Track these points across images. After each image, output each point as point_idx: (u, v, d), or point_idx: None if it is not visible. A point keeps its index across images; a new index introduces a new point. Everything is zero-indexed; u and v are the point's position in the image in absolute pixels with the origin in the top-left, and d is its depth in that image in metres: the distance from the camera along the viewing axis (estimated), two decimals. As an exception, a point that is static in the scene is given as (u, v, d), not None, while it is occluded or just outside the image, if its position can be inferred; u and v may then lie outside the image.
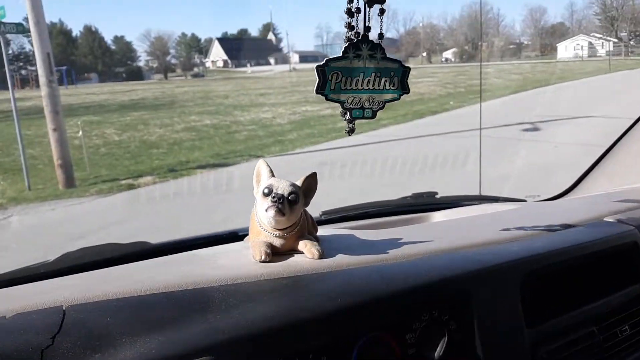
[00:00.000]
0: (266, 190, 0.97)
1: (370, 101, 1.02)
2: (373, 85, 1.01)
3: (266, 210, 0.96)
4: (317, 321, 0.82)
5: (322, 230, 1.26)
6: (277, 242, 1.00)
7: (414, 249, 1.05)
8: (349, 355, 0.85)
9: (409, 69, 1.05)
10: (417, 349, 0.91)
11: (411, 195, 1.77)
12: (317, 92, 0.99)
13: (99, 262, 1.13)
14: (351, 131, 1.04)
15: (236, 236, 1.23)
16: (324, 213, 1.54)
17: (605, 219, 1.28)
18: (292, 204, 0.97)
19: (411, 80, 1.05)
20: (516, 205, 1.53)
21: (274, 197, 0.95)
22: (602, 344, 1.12)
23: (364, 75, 1.00)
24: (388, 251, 1.04)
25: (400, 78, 1.03)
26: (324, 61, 0.97)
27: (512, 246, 1.11)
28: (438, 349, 0.92)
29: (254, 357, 0.76)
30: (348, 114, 1.01)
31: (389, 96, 1.03)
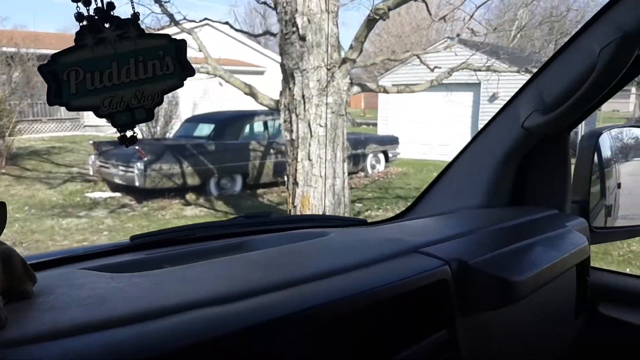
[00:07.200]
0: None
1: (139, 97, 0.75)
2: (137, 75, 0.74)
3: None
4: None
5: (131, 257, 1.07)
6: None
7: (178, 300, 0.84)
8: None
9: (184, 42, 0.77)
10: None
11: (244, 215, 1.58)
12: (50, 103, 0.70)
13: None
14: (128, 141, 0.77)
15: None
16: (134, 237, 1.26)
17: (420, 251, 1.18)
18: None
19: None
20: (337, 231, 1.39)
21: None
22: None
23: (119, 64, 0.73)
24: (159, 300, 0.81)
25: (175, 56, 0.77)
26: (50, 58, 0.69)
27: (306, 288, 0.94)
28: None
29: None
30: (111, 121, 0.74)
31: (166, 84, 0.77)
